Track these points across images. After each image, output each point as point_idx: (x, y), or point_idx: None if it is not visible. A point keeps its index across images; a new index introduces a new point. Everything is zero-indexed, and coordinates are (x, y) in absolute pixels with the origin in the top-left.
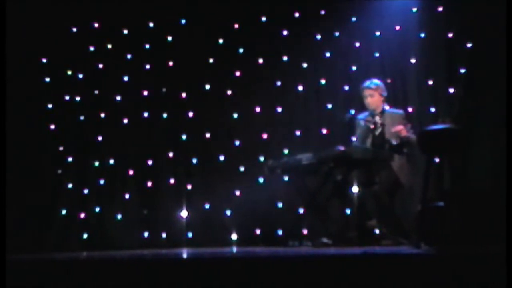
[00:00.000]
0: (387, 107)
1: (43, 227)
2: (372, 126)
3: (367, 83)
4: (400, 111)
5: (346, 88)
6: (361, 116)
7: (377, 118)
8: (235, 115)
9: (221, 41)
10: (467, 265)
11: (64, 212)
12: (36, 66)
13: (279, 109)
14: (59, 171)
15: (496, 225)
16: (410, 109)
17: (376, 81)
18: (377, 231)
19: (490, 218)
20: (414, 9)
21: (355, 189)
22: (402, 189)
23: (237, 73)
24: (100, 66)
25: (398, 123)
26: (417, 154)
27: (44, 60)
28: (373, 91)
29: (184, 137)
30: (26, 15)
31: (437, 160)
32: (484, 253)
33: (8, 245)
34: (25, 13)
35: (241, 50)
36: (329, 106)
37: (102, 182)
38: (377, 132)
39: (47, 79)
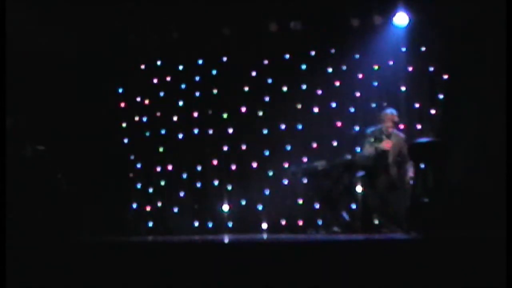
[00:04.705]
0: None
1: (119, 217)
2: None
3: (392, 110)
4: (402, 135)
5: (352, 109)
6: (370, 130)
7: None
8: (265, 131)
9: (254, 73)
10: (447, 247)
11: (134, 205)
12: (114, 94)
13: (299, 126)
14: (131, 175)
15: (469, 215)
16: (401, 126)
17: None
18: (377, 222)
19: (464, 211)
20: (403, 49)
21: (359, 189)
22: (396, 189)
23: (266, 98)
24: (161, 94)
25: (399, 143)
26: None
27: (120, 90)
28: (395, 117)
29: (225, 148)
30: (106, 57)
31: (423, 165)
32: (459, 237)
33: (93, 229)
34: (106, 55)
35: (269, 80)
36: (339, 124)
37: (163, 183)
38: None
39: (122, 104)
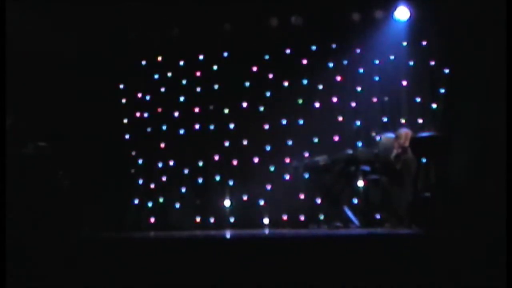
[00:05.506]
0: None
1: (121, 213)
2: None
3: (408, 132)
4: None
5: (353, 104)
6: (388, 134)
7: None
8: (266, 126)
9: (254, 68)
10: (448, 242)
11: (136, 201)
12: (115, 90)
13: (301, 121)
14: (132, 170)
15: (470, 211)
16: (403, 121)
17: None
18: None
19: (465, 206)
20: (404, 43)
21: (360, 183)
22: (398, 185)
23: (267, 93)
24: (162, 89)
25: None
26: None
27: (121, 86)
28: (408, 140)
29: (226, 143)
30: (107, 55)
31: (424, 160)
32: (460, 233)
33: (95, 225)
34: (106, 53)
35: (270, 76)
36: (340, 118)
37: (164, 178)
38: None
39: (123, 100)
